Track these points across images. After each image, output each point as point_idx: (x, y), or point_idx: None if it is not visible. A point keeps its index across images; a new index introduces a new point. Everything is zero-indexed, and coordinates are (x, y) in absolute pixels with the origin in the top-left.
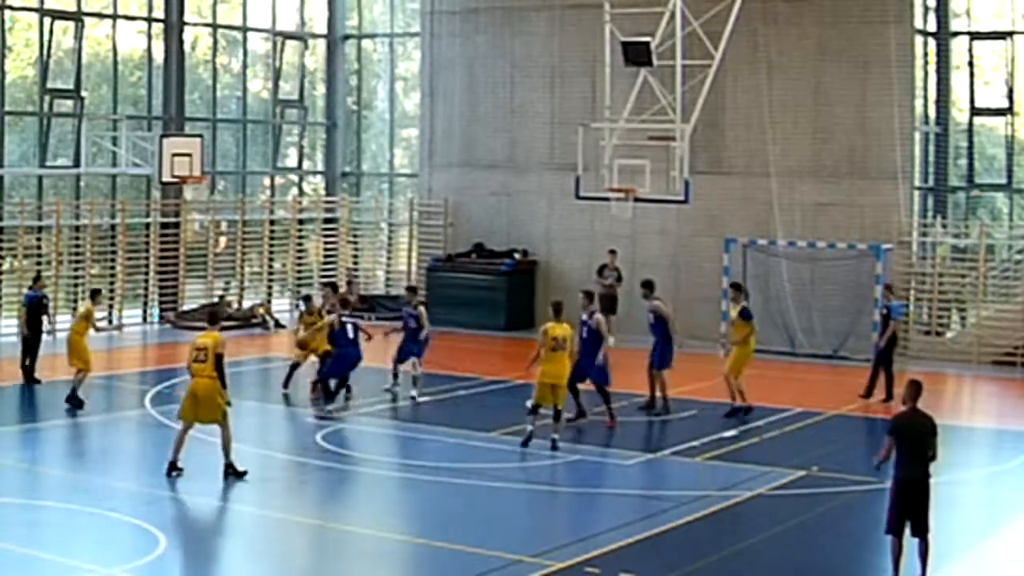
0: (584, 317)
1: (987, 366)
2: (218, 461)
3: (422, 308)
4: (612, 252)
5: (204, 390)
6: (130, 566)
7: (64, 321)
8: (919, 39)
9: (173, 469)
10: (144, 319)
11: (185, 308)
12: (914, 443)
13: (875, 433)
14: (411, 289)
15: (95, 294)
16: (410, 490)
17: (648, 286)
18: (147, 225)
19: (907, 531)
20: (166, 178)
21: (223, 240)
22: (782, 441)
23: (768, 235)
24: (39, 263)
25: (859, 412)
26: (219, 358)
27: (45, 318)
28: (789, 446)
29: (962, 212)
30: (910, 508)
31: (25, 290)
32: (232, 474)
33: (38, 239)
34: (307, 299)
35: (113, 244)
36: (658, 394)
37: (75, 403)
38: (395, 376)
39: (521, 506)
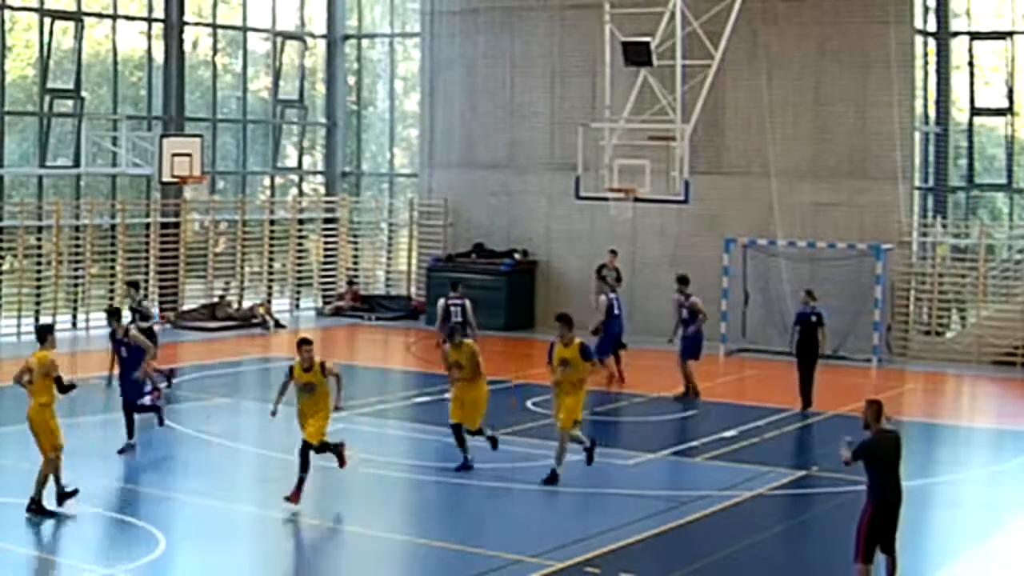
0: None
1: (987, 366)
2: (219, 460)
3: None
4: (612, 252)
5: (34, 417)
6: (130, 566)
7: (64, 321)
8: (919, 39)
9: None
10: None
11: (185, 308)
12: (888, 465)
13: None
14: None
15: None
16: (411, 490)
17: (680, 280)
18: (147, 225)
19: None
20: (166, 178)
21: (223, 240)
22: (782, 441)
23: (768, 235)
24: (39, 263)
25: (858, 413)
26: (58, 382)
27: None
28: (789, 446)
29: (962, 212)
30: (884, 531)
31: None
32: (35, 511)
33: (38, 239)
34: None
35: (113, 244)
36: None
37: None
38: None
39: (521, 506)
